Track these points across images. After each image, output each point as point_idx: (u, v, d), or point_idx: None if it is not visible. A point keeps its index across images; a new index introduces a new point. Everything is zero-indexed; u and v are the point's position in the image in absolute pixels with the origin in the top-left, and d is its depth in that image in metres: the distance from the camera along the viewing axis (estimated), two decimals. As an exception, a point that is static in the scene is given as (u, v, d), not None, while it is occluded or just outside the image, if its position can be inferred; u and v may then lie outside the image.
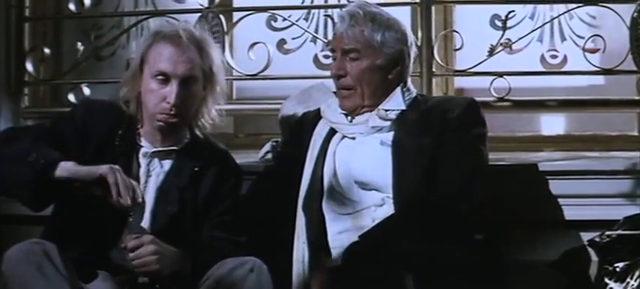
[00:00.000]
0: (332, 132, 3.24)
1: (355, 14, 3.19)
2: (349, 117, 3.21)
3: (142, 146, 3.12)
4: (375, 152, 3.14)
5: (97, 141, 3.07)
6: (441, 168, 3.07)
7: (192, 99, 3.11)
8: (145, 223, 3.02)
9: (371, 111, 3.19)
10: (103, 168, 2.90)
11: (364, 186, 3.14)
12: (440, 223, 3.00)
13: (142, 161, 3.11)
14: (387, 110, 3.18)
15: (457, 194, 3.04)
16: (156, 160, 3.12)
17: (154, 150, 3.12)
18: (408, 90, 3.23)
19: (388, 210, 3.08)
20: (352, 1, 3.32)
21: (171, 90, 3.04)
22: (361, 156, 3.15)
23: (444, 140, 3.10)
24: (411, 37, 3.24)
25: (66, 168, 2.91)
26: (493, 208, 3.44)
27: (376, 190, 3.12)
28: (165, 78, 3.05)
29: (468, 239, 3.05)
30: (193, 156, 3.14)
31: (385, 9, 3.22)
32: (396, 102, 3.20)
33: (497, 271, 3.06)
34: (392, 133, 3.15)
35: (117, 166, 2.92)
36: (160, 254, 2.92)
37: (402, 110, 3.18)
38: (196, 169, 3.12)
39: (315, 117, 3.31)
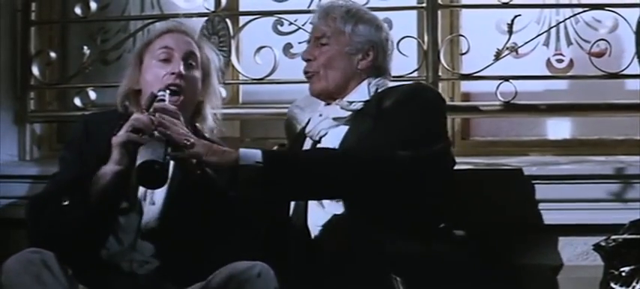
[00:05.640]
0: (314, 144, 3.20)
1: (330, 5, 3.23)
2: (321, 113, 3.18)
3: None
4: None
5: (97, 152, 3.04)
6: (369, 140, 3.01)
7: (194, 82, 3.14)
8: (153, 219, 3.05)
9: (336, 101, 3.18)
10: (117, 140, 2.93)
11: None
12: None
13: None
14: (350, 101, 3.15)
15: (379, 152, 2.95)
16: None
17: None
18: (377, 83, 3.19)
19: None
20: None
21: (176, 62, 3.10)
22: None
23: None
24: (386, 33, 3.23)
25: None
26: (497, 212, 3.46)
27: None
28: (169, 56, 3.11)
29: (441, 231, 3.03)
30: None
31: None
32: (360, 94, 3.17)
33: (483, 269, 3.00)
34: (345, 130, 3.11)
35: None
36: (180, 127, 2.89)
37: (364, 103, 3.13)
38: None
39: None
